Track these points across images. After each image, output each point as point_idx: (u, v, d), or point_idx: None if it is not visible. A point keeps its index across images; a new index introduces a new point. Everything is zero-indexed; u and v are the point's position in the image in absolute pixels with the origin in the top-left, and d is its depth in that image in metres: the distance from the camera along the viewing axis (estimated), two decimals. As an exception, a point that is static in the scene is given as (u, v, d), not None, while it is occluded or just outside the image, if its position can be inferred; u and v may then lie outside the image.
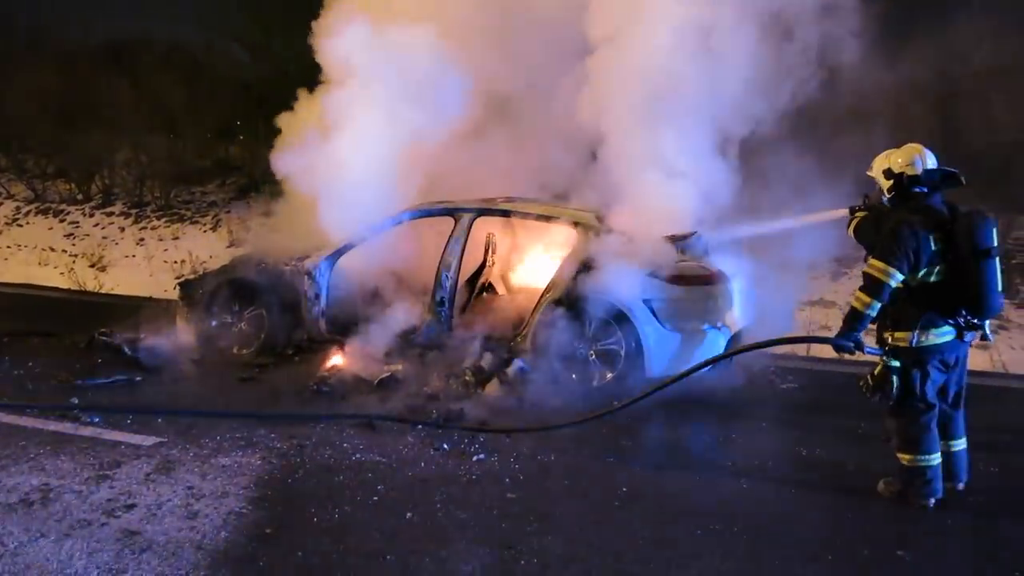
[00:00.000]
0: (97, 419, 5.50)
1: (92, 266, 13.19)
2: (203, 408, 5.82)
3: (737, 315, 6.39)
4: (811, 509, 4.47)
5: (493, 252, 7.79)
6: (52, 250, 14.20)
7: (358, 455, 5.02)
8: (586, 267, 6.31)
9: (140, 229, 14.75)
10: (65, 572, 3.52)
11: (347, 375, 6.48)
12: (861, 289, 4.38)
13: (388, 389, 6.26)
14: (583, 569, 3.72)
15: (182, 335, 7.41)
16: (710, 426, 5.77)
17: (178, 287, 7.74)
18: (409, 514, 4.20)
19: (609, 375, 6.27)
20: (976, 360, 8.54)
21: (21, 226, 15.54)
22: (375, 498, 4.40)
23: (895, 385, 4.33)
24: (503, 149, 7.47)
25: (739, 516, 4.30)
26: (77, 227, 15.12)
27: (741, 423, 5.80)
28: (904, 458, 4.46)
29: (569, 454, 5.10)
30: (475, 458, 5.02)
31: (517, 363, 6.33)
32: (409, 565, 3.70)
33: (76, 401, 5.88)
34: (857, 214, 5.15)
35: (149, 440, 5.15)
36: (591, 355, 6.35)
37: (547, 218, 6.89)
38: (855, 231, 5.10)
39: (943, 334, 4.33)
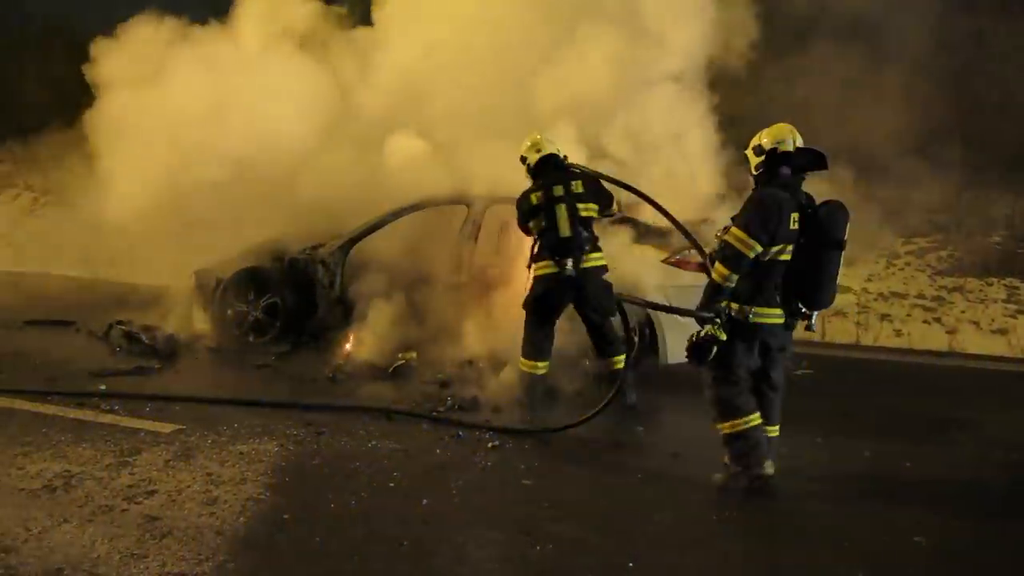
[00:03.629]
0: (117, 407, 5.57)
1: (108, 255, 13.25)
2: (220, 396, 5.86)
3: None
4: (827, 496, 4.48)
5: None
6: (69, 239, 14.29)
7: (374, 442, 5.06)
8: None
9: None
10: (88, 557, 3.57)
11: (362, 363, 6.53)
12: (721, 260, 4.30)
13: (402, 377, 6.30)
14: (598, 554, 3.74)
15: (198, 323, 7.47)
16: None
17: (194, 276, 7.79)
18: (425, 500, 4.23)
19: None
20: (996, 345, 8.54)
21: (38, 216, 15.65)
22: (391, 484, 4.43)
23: (712, 353, 4.28)
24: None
25: (755, 501, 4.31)
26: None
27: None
28: (724, 427, 4.43)
29: (583, 440, 5.11)
30: (490, 444, 5.05)
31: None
32: (426, 551, 3.72)
33: (104, 388, 5.95)
34: None
35: (168, 427, 5.20)
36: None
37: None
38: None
39: (774, 316, 4.34)
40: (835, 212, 4.31)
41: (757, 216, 4.21)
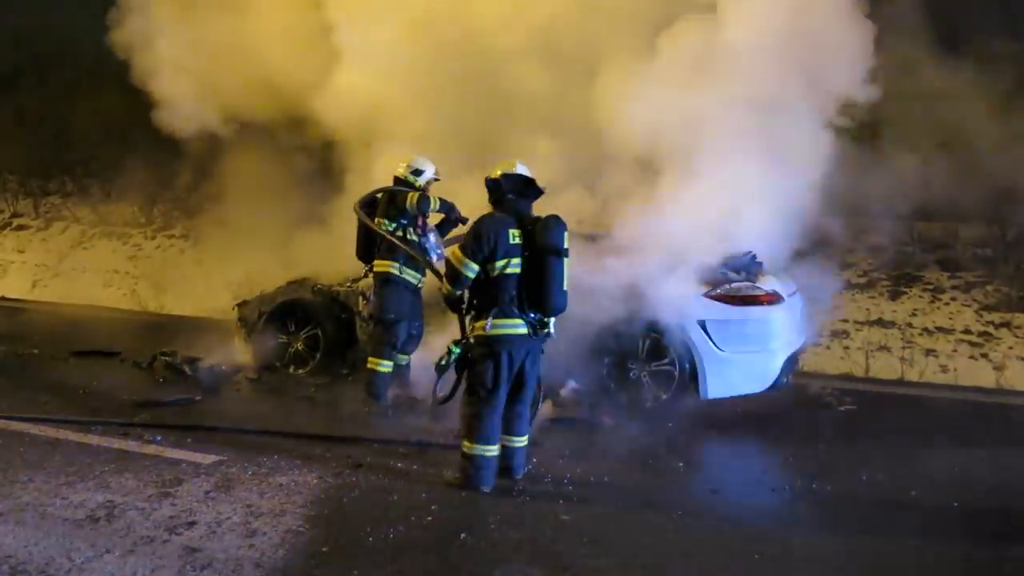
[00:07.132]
0: (159, 437, 5.63)
1: (153, 287, 13.49)
2: (261, 427, 5.90)
3: (794, 336, 6.30)
4: (871, 533, 4.38)
5: None
6: (115, 272, 14.58)
7: (412, 475, 5.05)
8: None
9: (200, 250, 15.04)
10: (129, 587, 3.60)
11: (401, 395, 6.54)
12: (446, 277, 4.86)
13: (441, 409, 6.29)
14: (638, 592, 3.69)
15: (240, 355, 7.56)
16: (766, 448, 5.70)
17: (236, 308, 7.90)
18: (463, 534, 4.21)
19: (663, 396, 6.23)
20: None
21: (86, 249, 15.98)
22: (429, 518, 4.42)
23: (449, 369, 4.82)
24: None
25: (798, 540, 4.23)
26: (139, 249, 15.50)
27: (797, 445, 5.70)
28: (465, 445, 4.78)
29: (623, 474, 5.06)
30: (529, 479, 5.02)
31: (570, 383, 6.32)
32: (463, 586, 3.70)
33: (146, 418, 6.02)
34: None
35: (209, 458, 5.24)
36: (644, 376, 6.31)
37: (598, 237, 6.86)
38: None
39: (515, 326, 4.72)
40: (549, 223, 4.76)
41: (471, 238, 4.73)
